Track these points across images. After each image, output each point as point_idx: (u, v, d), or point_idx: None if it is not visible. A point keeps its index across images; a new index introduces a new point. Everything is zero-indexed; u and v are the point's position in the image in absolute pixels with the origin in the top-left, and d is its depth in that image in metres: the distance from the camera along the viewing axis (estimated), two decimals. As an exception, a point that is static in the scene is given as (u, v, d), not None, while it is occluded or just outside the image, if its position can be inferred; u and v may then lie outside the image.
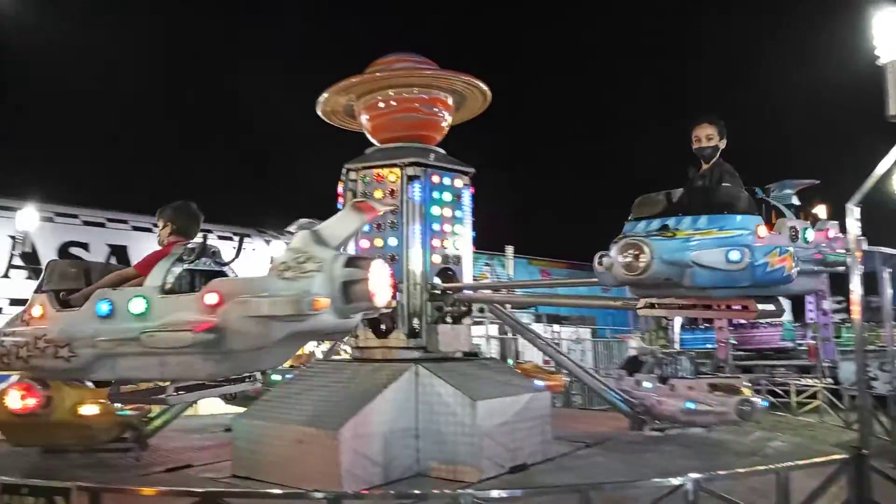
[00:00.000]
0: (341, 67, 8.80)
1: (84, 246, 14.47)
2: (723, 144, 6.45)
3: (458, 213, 8.54)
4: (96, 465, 7.86)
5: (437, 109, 8.83)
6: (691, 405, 9.08)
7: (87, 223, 14.04)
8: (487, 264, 26.86)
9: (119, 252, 15.06)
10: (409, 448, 7.11)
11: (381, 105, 8.64)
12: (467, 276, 8.67)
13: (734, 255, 5.42)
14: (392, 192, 8.25)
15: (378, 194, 8.23)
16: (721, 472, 4.39)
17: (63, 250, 13.78)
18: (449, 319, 8.21)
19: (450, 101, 8.93)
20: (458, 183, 8.59)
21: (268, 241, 17.01)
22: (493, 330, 17.70)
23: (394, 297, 4.95)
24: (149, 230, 14.40)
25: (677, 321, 18.43)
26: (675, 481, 3.96)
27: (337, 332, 4.94)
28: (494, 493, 3.98)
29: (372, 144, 9.00)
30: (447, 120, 9.06)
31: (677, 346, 17.66)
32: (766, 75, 43.73)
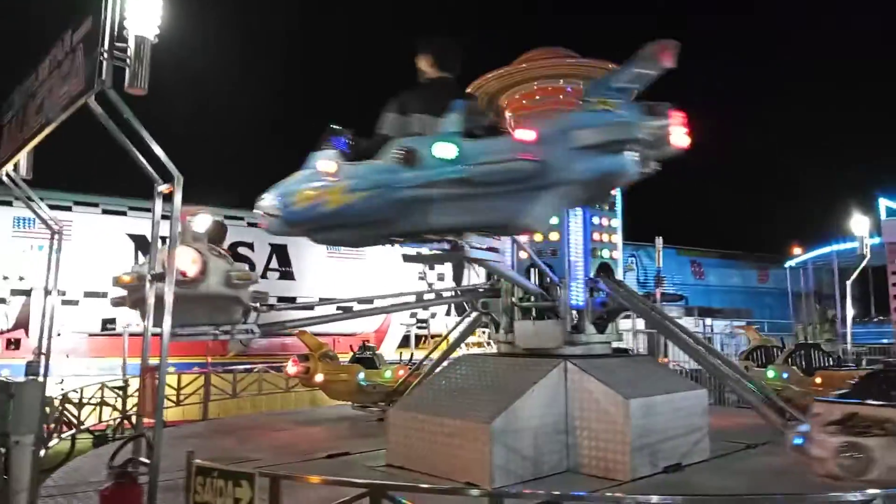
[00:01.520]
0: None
1: (250, 246, 15.74)
2: (433, 71, 5.95)
3: (610, 206, 8.41)
4: (270, 448, 8.56)
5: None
6: (798, 441, 5.46)
7: (250, 224, 15.20)
8: (633, 255, 26.04)
9: (280, 251, 16.22)
10: (558, 444, 7.08)
11: (525, 100, 8.62)
12: (620, 270, 8.45)
13: (272, 200, 5.65)
14: None
15: None
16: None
17: (232, 249, 15.06)
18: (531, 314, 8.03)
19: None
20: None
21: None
22: (641, 324, 17.12)
23: (201, 272, 6.25)
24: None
25: (849, 313, 16.77)
26: (859, 495, 3.60)
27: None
28: (655, 499, 3.86)
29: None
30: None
31: (849, 342, 16.10)
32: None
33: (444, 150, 5.09)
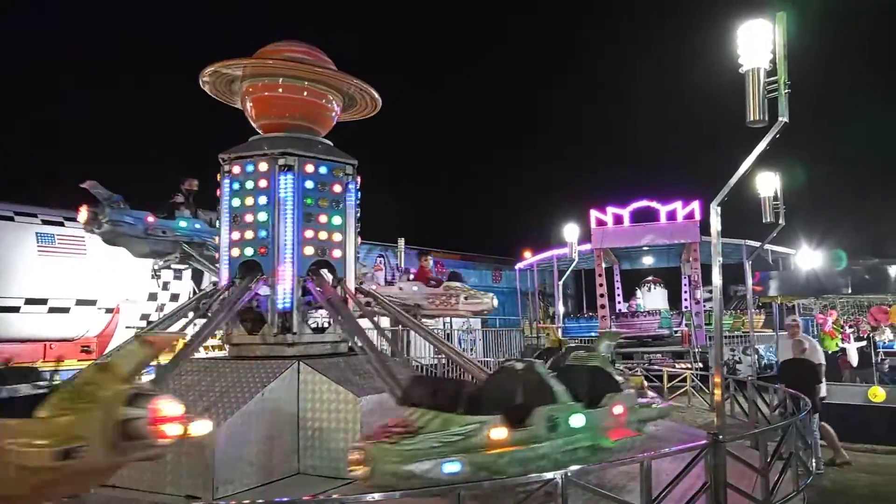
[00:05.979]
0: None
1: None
2: None
3: (334, 205, 8.23)
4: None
5: (324, 102, 8.63)
6: None
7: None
8: (381, 255, 26.74)
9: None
10: (288, 447, 6.92)
11: (266, 92, 8.35)
12: (350, 269, 8.39)
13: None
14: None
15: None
16: (592, 466, 4.52)
17: None
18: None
19: (340, 97, 8.78)
20: (338, 173, 8.27)
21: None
22: (385, 322, 17.57)
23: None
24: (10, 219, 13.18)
25: (560, 310, 19.02)
26: (546, 476, 4.03)
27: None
28: (369, 497, 3.91)
29: (252, 131, 8.69)
30: (335, 111, 8.86)
31: (560, 335, 18.25)
32: (635, 87, 46.32)
33: None
